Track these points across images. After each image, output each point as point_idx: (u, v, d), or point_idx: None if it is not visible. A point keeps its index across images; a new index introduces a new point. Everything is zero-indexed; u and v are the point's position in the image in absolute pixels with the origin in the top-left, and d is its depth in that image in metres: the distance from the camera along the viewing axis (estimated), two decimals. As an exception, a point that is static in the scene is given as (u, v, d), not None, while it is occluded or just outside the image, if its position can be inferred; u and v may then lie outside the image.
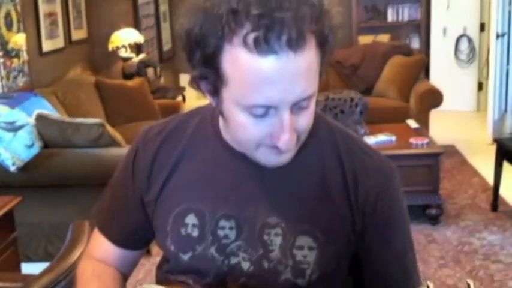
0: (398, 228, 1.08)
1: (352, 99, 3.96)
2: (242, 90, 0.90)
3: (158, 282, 1.15)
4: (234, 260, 1.05)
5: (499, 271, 3.07)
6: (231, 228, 1.05)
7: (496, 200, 3.82)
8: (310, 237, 1.03)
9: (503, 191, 3.87)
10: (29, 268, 2.67)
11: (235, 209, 1.05)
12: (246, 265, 1.04)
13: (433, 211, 3.64)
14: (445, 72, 6.51)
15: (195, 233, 1.06)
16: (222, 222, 1.05)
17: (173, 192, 1.09)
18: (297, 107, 0.92)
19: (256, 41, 0.85)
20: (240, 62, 0.88)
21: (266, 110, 0.91)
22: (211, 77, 0.93)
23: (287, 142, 0.93)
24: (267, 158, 0.99)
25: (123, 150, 3.31)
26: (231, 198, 1.05)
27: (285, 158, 0.99)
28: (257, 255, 1.04)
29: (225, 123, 1.03)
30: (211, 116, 1.10)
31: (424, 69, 5.75)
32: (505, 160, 3.73)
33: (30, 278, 1.47)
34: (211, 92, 0.97)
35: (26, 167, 3.13)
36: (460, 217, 3.77)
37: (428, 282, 0.92)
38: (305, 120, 0.95)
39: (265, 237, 1.03)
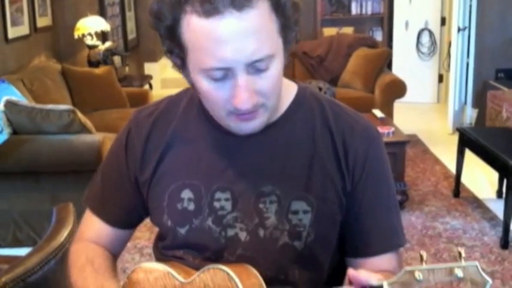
0: (385, 185, 1.12)
1: (320, 89, 4.04)
2: (199, 55, 0.93)
3: (157, 260, 1.18)
4: (231, 232, 1.08)
5: (462, 254, 3.19)
6: (226, 199, 1.08)
7: (458, 187, 3.96)
8: (304, 201, 1.07)
9: (464, 178, 4.01)
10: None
11: (230, 182, 1.08)
12: (243, 235, 1.07)
13: (398, 197, 3.75)
14: (407, 64, 6.66)
15: (191, 206, 1.09)
16: (218, 194, 1.08)
17: (167, 172, 1.12)
18: (253, 69, 0.93)
19: (202, 3, 0.89)
20: (192, 27, 0.91)
21: (224, 73, 0.94)
22: (175, 49, 0.97)
23: (243, 101, 0.94)
24: (237, 125, 1.01)
25: (93, 137, 3.29)
26: (225, 172, 1.09)
27: (254, 125, 1.01)
28: (253, 225, 1.07)
29: (199, 97, 1.05)
30: (196, 96, 1.12)
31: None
32: (467, 148, 3.86)
33: (18, 259, 1.47)
34: (179, 65, 1.01)
35: (-4, 154, 3.10)
36: (423, 203, 3.89)
37: (422, 252, 0.93)
38: (266, 82, 0.96)
39: (261, 206, 1.07)
